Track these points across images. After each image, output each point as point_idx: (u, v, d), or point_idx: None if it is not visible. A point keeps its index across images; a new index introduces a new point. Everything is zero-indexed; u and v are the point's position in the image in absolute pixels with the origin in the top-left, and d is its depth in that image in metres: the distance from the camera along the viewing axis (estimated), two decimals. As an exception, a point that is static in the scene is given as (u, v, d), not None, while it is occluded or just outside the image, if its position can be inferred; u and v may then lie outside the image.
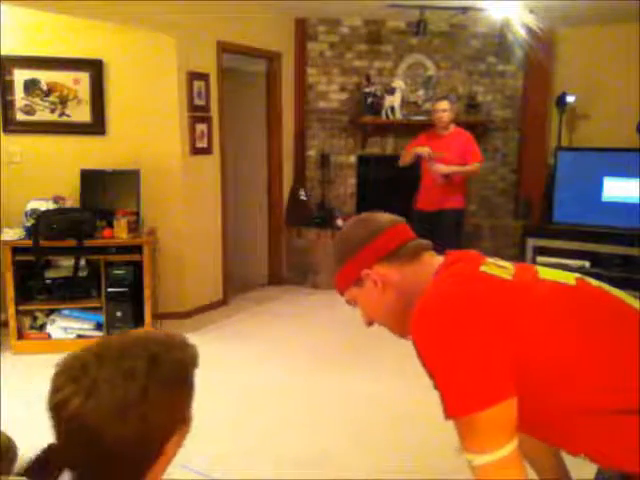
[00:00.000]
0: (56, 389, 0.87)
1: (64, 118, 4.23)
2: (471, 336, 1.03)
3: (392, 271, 1.24)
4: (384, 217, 1.31)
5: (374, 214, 1.32)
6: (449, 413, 1.04)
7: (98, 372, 0.86)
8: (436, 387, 1.08)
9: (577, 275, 1.21)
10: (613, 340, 1.07)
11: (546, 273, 1.20)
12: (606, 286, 1.19)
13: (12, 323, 3.82)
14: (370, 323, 1.36)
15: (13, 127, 4.15)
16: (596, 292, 1.17)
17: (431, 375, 1.08)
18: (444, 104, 4.67)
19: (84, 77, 4.21)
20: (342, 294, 1.35)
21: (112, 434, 0.84)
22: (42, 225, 3.71)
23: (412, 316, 1.11)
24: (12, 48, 4.04)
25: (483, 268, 1.15)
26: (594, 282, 1.20)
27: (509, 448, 1.00)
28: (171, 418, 0.91)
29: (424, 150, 4.60)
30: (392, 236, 1.26)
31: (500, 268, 1.17)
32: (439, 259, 1.24)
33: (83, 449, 0.86)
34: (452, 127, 4.71)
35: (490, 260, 1.21)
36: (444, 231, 4.84)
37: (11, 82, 4.10)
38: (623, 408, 1.02)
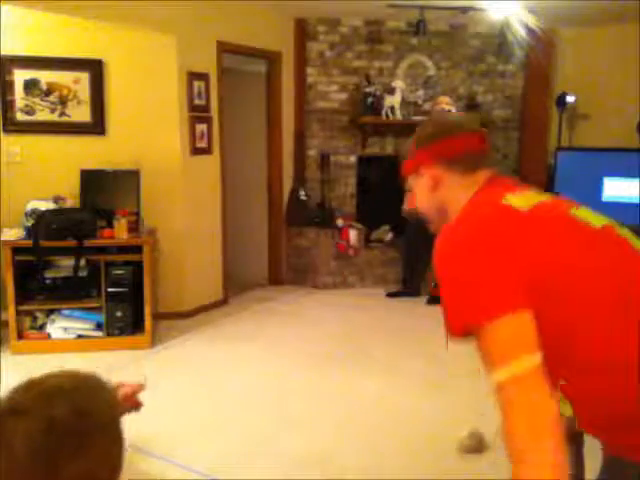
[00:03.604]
0: None
1: (64, 118, 4.23)
2: (481, 254, 1.10)
3: (447, 175, 1.32)
4: (467, 122, 1.40)
5: (461, 116, 1.39)
6: (474, 319, 1.06)
7: (18, 431, 0.75)
8: (445, 309, 1.13)
9: (607, 222, 1.22)
10: (619, 285, 1.09)
11: (580, 212, 1.23)
12: (634, 238, 1.21)
13: (12, 323, 3.82)
14: (416, 212, 1.44)
15: (13, 127, 4.15)
16: (617, 239, 1.19)
17: (444, 295, 1.13)
18: (447, 99, 4.90)
19: (84, 77, 4.21)
20: (405, 179, 1.44)
21: None
22: (42, 225, 3.70)
23: (437, 240, 1.20)
24: (12, 48, 4.04)
25: (504, 200, 1.20)
26: (623, 231, 1.21)
27: (528, 361, 1.01)
28: (100, 470, 0.80)
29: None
30: (463, 142, 1.33)
31: (523, 198, 1.21)
32: (488, 178, 1.31)
33: None
34: None
35: (519, 191, 1.25)
36: None
37: (11, 82, 4.10)
38: (615, 355, 1.05)
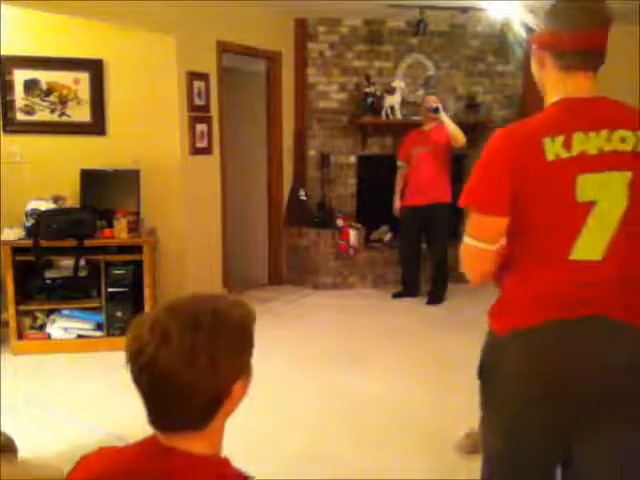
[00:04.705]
0: (133, 340, 0.98)
1: (64, 118, 4.23)
2: (496, 162, 1.36)
3: (549, 63, 1.41)
4: (592, 15, 1.35)
5: (592, 10, 1.36)
6: (460, 201, 1.41)
7: (169, 323, 0.97)
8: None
9: (594, 199, 1.32)
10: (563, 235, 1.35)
11: (584, 180, 1.32)
12: (605, 204, 1.33)
13: (12, 323, 3.82)
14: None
15: (13, 127, 4.15)
16: (582, 215, 1.33)
17: None
18: (434, 97, 5.00)
19: (84, 77, 4.21)
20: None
21: (183, 377, 0.94)
22: (42, 225, 3.71)
23: None
24: (12, 48, 4.04)
25: (546, 139, 1.32)
26: (607, 201, 1.33)
27: (481, 244, 1.38)
28: (235, 364, 1.00)
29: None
30: (574, 39, 1.35)
31: (564, 147, 1.32)
32: (577, 86, 1.38)
33: (158, 392, 0.96)
34: (435, 123, 4.90)
35: (581, 131, 1.32)
36: (437, 226, 4.88)
37: (11, 82, 4.10)
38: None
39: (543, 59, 1.40)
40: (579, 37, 1.34)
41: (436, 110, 4.79)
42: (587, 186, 1.31)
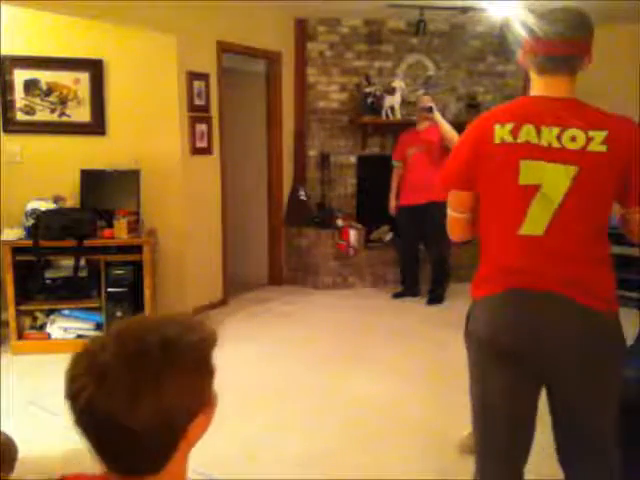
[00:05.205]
0: (71, 379, 0.86)
1: (64, 118, 4.23)
2: (462, 148, 1.68)
3: (529, 66, 1.63)
4: (565, 26, 1.53)
5: (574, 19, 1.54)
6: (439, 185, 1.75)
7: (109, 359, 0.84)
8: None
9: (538, 184, 1.52)
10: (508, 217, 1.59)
11: (528, 166, 1.52)
12: (552, 192, 1.52)
13: (12, 323, 3.82)
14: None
15: (13, 127, 4.15)
16: (524, 199, 1.54)
17: None
18: (428, 97, 5.04)
19: (84, 77, 4.21)
20: None
21: (125, 422, 0.83)
22: (42, 225, 3.71)
23: None
24: (12, 48, 4.04)
25: (495, 125, 1.55)
26: (554, 190, 1.51)
27: (456, 214, 1.74)
28: (189, 401, 0.89)
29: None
30: (546, 47, 1.55)
31: (510, 134, 1.53)
32: (550, 86, 1.58)
33: (101, 438, 0.86)
34: (428, 123, 4.93)
35: (535, 123, 1.52)
36: (432, 225, 4.87)
37: (11, 82, 4.10)
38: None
39: (527, 62, 1.62)
40: (550, 45, 1.53)
41: (430, 110, 4.83)
42: (529, 171, 1.51)
